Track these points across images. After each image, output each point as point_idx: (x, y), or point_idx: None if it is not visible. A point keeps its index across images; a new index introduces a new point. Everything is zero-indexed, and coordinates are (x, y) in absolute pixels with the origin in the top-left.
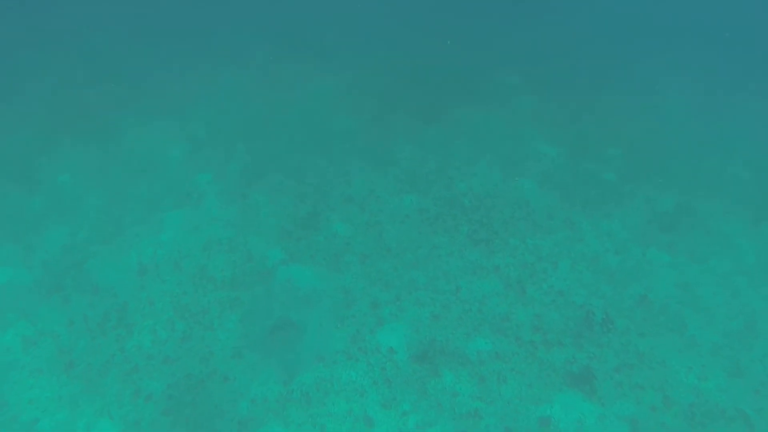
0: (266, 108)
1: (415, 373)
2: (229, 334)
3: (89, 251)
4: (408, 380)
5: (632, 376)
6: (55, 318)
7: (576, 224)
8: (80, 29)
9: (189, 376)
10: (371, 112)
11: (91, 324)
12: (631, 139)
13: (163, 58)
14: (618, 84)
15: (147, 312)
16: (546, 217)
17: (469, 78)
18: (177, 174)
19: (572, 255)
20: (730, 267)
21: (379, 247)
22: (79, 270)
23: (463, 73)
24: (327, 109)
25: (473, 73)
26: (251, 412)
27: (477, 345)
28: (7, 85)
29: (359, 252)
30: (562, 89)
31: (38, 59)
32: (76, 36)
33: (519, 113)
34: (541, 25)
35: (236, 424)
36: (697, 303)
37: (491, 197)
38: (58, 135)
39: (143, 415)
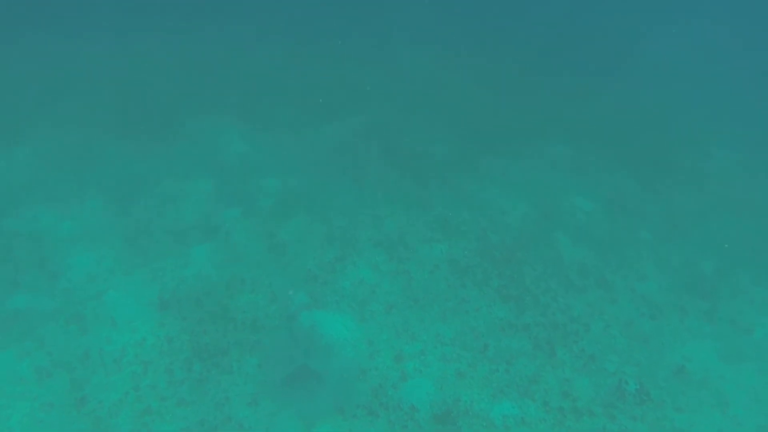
0: (297, 146)
1: None
2: (247, 378)
3: (111, 282)
4: None
5: None
6: (71, 350)
7: (610, 284)
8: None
9: (203, 422)
10: (405, 155)
11: (107, 359)
12: (670, 197)
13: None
14: (663, 140)
15: (165, 350)
16: (579, 274)
17: (507, 127)
18: (205, 207)
19: (605, 317)
20: None
21: (406, 297)
22: (99, 301)
23: (502, 124)
24: (359, 150)
25: (512, 123)
26: None
27: (503, 408)
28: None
29: (385, 301)
30: (600, 140)
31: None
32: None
33: (556, 164)
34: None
35: None
36: (740, 378)
37: (524, 250)
38: (89, 156)
39: None
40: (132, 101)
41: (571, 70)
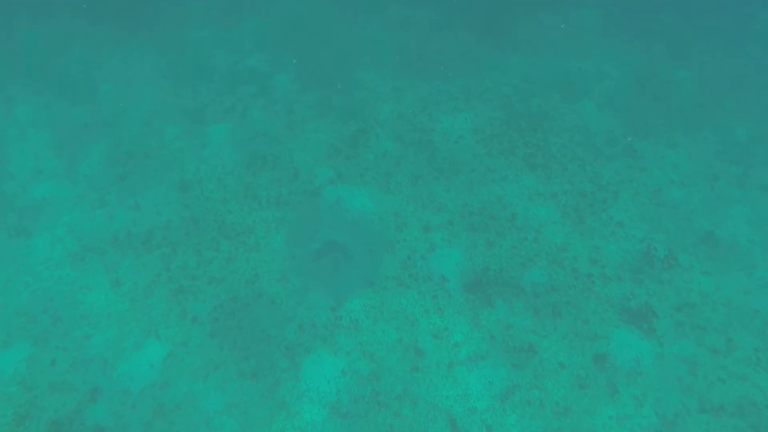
0: (313, 19)
1: (468, 302)
2: (275, 255)
3: (131, 166)
4: (460, 310)
5: (694, 317)
6: (100, 235)
7: (639, 152)
8: None
9: (235, 298)
10: (425, 26)
11: (135, 242)
12: (704, 63)
13: None
14: (699, 1)
15: (191, 231)
16: (607, 143)
17: None
18: (220, 86)
19: (634, 185)
20: None
21: (432, 168)
22: (121, 185)
23: None
24: (378, 22)
25: None
26: (299, 338)
27: (532, 276)
28: None
29: (410, 172)
30: (630, 2)
31: None
32: None
33: (583, 29)
34: None
35: (284, 349)
36: None
37: (549, 119)
38: (100, 43)
39: (190, 337)
40: None
41: None
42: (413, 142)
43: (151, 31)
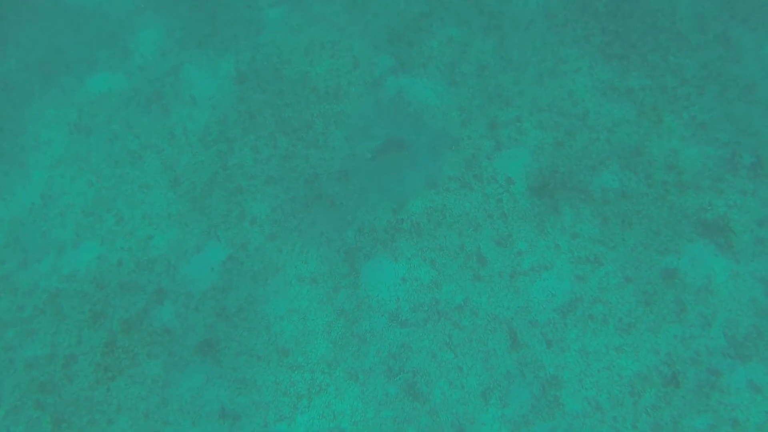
0: None
1: (534, 207)
2: (335, 153)
3: (185, 55)
4: (525, 216)
5: None
6: (157, 131)
7: (733, 41)
8: None
9: (293, 199)
10: None
11: (192, 138)
12: None
13: None
14: None
15: (248, 126)
16: (696, 29)
17: None
18: None
19: (723, 80)
20: None
21: (499, 57)
22: (176, 77)
23: None
24: None
25: None
26: (359, 242)
27: (602, 180)
28: None
29: (476, 62)
30: None
31: None
32: None
33: None
34: None
35: (343, 254)
36: None
37: (631, 2)
38: None
39: (249, 239)
40: None
41: None
42: (480, 27)
43: None
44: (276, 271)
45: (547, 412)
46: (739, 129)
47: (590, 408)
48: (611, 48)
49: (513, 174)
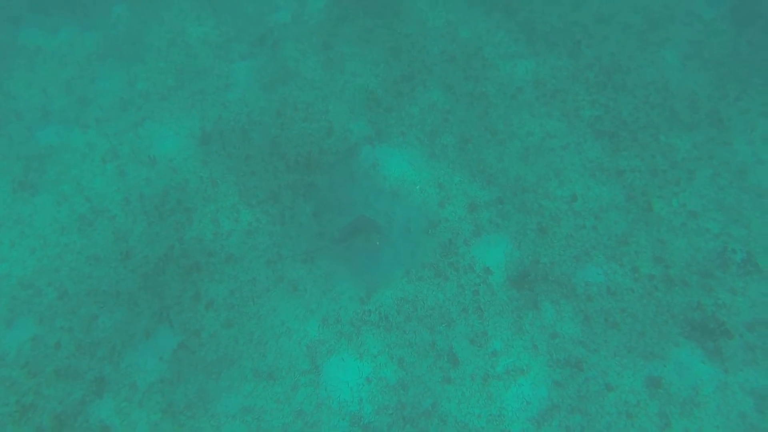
0: None
1: (512, 301)
2: (301, 230)
3: (147, 109)
4: (502, 311)
5: None
6: (111, 195)
7: (725, 122)
8: None
9: (253, 281)
10: None
11: (148, 205)
12: None
13: None
14: None
15: (209, 195)
16: (688, 106)
17: None
18: (249, 10)
19: (714, 163)
20: None
21: (483, 128)
22: (135, 134)
23: None
24: None
25: None
26: (322, 335)
27: (587, 274)
28: None
29: (459, 133)
30: None
31: None
32: None
33: None
34: None
35: (305, 348)
36: None
37: (623, 72)
38: None
39: (204, 325)
40: None
41: None
42: (465, 93)
43: None
44: (231, 363)
45: None
46: (730, 219)
47: None
48: (601, 123)
49: (492, 263)
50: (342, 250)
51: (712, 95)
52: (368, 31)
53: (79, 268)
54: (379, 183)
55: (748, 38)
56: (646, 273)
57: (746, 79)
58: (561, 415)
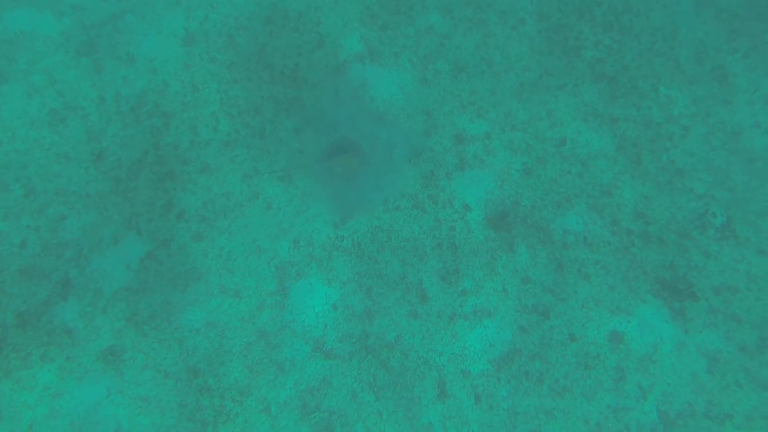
0: None
1: (488, 242)
2: (280, 146)
3: (129, 2)
4: (477, 250)
5: (732, 303)
6: (85, 91)
7: (729, 77)
8: None
9: (227, 195)
10: None
11: (124, 106)
12: None
13: None
14: None
15: (189, 100)
16: (694, 57)
17: None
18: None
19: (710, 122)
20: None
21: (480, 57)
22: (114, 27)
23: None
24: None
25: None
26: (292, 256)
27: (566, 221)
28: None
29: (454, 59)
30: None
31: None
32: None
33: None
34: None
35: (273, 268)
36: None
37: (631, 13)
38: None
39: (174, 236)
40: None
41: None
42: (464, 18)
43: None
44: (198, 277)
45: None
46: (717, 181)
47: None
48: (602, 66)
49: (471, 200)
50: (321, 171)
51: (721, 48)
52: None
53: (48, 166)
54: (365, 104)
55: None
56: (626, 227)
57: (759, 35)
58: (522, 360)
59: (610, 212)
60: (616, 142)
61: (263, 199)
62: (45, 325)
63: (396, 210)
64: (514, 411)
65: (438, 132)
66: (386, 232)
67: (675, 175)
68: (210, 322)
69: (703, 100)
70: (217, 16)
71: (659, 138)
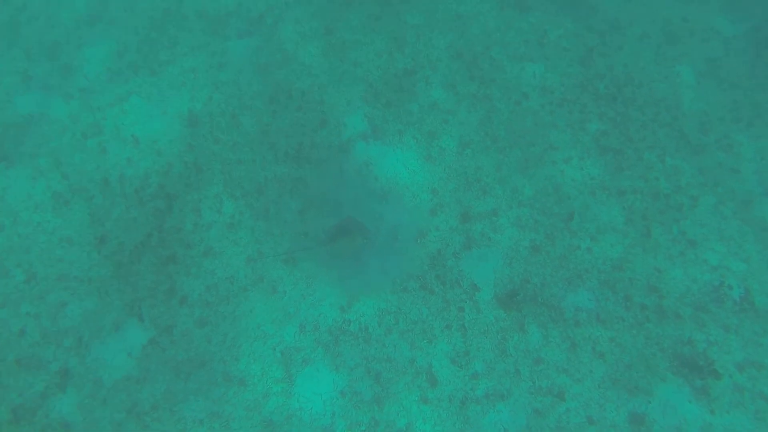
0: None
1: (498, 322)
2: (285, 228)
3: (134, 83)
4: (487, 331)
5: (759, 381)
6: (89, 173)
7: (735, 147)
8: None
9: (231, 279)
10: None
11: (128, 188)
12: None
13: None
14: None
15: (192, 182)
16: (698, 127)
17: None
18: None
19: (719, 191)
20: None
21: (484, 133)
22: (120, 109)
23: None
24: None
25: None
26: (298, 342)
27: (577, 298)
28: None
29: (458, 135)
30: None
31: None
32: None
33: None
34: None
35: (279, 354)
36: None
37: (634, 85)
38: None
39: (176, 322)
40: None
41: None
42: (468, 95)
43: None
44: (201, 364)
45: None
46: (730, 251)
47: None
48: (607, 139)
49: (480, 279)
50: (326, 253)
51: (725, 118)
52: (374, 19)
53: (50, 250)
54: (370, 183)
55: None
56: (639, 302)
57: (762, 104)
58: None
59: (623, 287)
60: (624, 214)
61: (268, 283)
62: (41, 420)
63: (403, 291)
64: None
65: (444, 210)
66: (394, 314)
67: (687, 247)
68: (214, 412)
69: (710, 170)
70: (221, 96)
71: (668, 209)
